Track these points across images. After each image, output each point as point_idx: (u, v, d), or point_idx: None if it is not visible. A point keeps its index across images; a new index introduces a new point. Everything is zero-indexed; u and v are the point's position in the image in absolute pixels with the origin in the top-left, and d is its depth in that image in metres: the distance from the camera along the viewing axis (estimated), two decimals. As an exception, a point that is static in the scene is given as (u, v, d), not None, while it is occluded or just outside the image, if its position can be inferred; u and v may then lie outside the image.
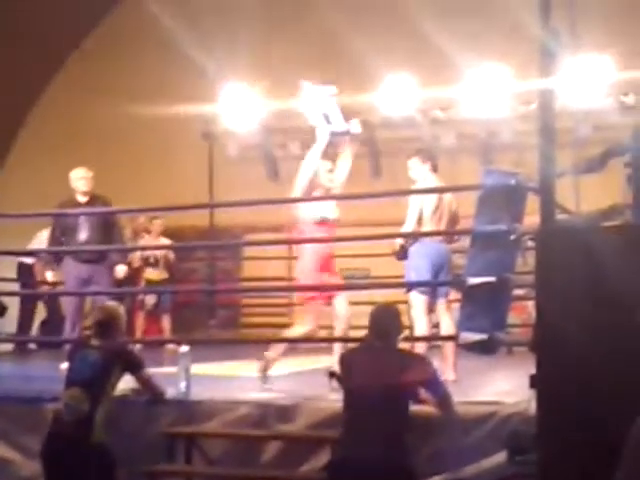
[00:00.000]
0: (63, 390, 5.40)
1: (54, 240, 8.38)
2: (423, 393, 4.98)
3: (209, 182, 11.63)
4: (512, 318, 7.89)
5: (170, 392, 5.81)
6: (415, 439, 4.90)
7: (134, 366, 5.51)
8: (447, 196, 7.15)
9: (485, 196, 5.72)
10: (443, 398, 5.00)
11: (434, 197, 7.08)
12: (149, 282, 10.66)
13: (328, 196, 7.08)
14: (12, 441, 6.00)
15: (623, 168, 4.88)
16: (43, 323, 11.19)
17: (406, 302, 7.00)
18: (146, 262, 10.56)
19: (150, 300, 10.57)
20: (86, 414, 5.23)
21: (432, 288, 6.99)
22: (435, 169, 7.31)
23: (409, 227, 7.04)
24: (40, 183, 12.78)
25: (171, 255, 10.80)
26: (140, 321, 10.43)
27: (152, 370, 5.82)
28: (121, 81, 12.74)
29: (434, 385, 4.97)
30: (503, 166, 8.78)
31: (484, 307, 5.60)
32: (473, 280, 5.62)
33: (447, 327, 6.98)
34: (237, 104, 11.22)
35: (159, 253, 10.65)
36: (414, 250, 6.99)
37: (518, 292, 7.29)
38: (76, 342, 6.21)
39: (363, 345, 5.25)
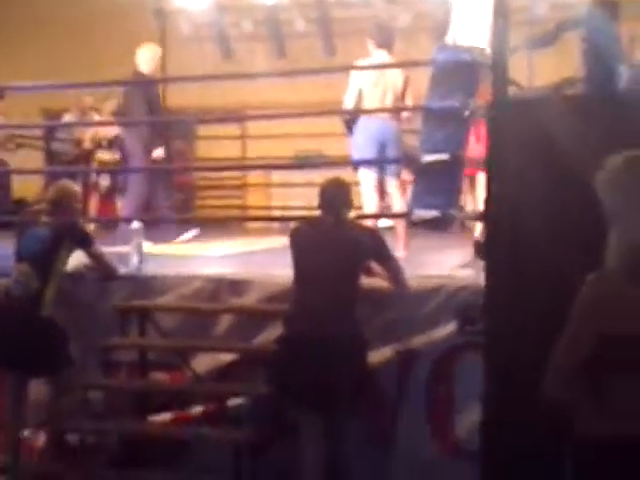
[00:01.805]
0: (12, 266, 5.37)
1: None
2: (374, 266, 5.01)
3: (161, 61, 11.40)
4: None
5: (123, 268, 5.81)
6: (366, 311, 4.95)
7: (84, 242, 5.46)
8: (391, 73, 7.04)
9: (438, 72, 5.65)
10: (394, 271, 5.03)
11: (374, 73, 6.98)
12: (102, 164, 10.52)
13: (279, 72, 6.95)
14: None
15: (578, 43, 4.86)
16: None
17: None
18: (98, 144, 10.39)
19: (104, 182, 10.45)
20: (35, 289, 5.23)
21: (380, 165, 6.97)
22: (383, 46, 7.17)
23: (348, 103, 6.98)
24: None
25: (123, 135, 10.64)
26: (94, 203, 10.33)
27: (105, 248, 5.79)
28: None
29: (385, 258, 5.00)
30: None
31: (437, 184, 5.61)
32: (426, 157, 5.61)
33: (398, 205, 7.00)
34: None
35: (111, 134, 10.47)
36: (357, 127, 6.95)
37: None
38: (25, 219, 6.13)
39: (313, 220, 5.20)
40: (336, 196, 5.02)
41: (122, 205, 9.28)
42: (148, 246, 6.59)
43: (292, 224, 6.53)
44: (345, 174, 6.47)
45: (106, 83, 8.51)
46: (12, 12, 12.57)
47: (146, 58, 8.23)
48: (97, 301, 5.77)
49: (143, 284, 5.78)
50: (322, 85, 8.84)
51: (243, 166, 8.23)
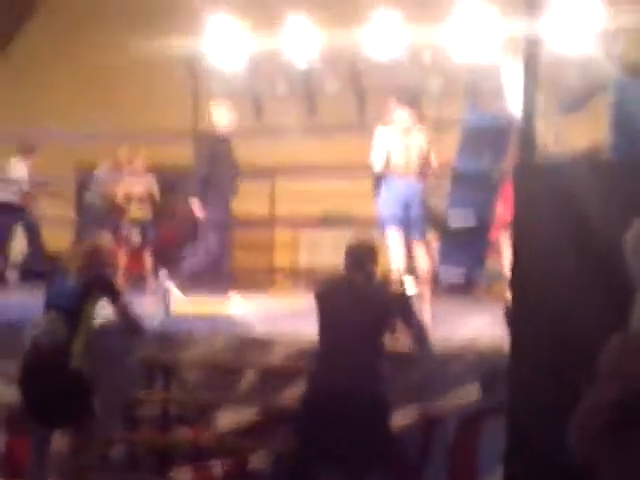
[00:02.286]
0: (41, 316, 5.42)
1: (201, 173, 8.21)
2: (399, 325, 5.01)
3: (194, 120, 11.57)
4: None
5: (149, 323, 5.84)
6: (389, 371, 4.94)
7: (112, 295, 5.51)
8: (417, 134, 7.06)
9: (467, 135, 5.75)
10: (419, 332, 5.04)
11: (399, 134, 7.02)
12: (134, 221, 10.58)
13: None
14: (-10, 366, 6.04)
15: (607, 109, 4.90)
16: (26, 257, 11.16)
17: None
18: (129, 199, 10.47)
19: (135, 238, 10.52)
20: (63, 340, 5.26)
21: (405, 223, 7.01)
22: (406, 105, 7.16)
23: (376, 164, 7.05)
24: (16, 114, 12.68)
25: (155, 192, 10.74)
26: (122, 257, 10.42)
27: (132, 302, 5.84)
28: (103, 11, 12.58)
29: (410, 318, 5.01)
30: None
31: (463, 244, 5.65)
32: (453, 217, 5.65)
33: (424, 266, 7.00)
34: (222, 40, 11.14)
35: (143, 190, 10.56)
36: (382, 186, 7.00)
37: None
38: (55, 270, 6.20)
39: (339, 277, 5.22)
40: (364, 255, 5.05)
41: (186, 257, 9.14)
42: (175, 301, 6.65)
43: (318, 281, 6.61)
44: (372, 234, 6.55)
45: (139, 135, 8.60)
46: (52, 60, 12.84)
47: (217, 114, 8.26)
48: (123, 355, 5.80)
49: (169, 339, 5.81)
50: (352, 146, 8.93)
51: (271, 222, 8.28)
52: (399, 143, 7.00)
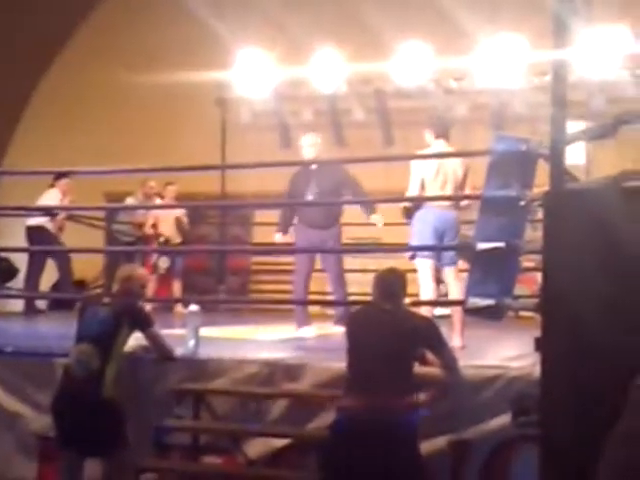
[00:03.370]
0: (73, 346, 5.46)
1: (285, 207, 8.27)
2: (428, 355, 5.02)
3: (221, 149, 11.67)
4: (521, 290, 7.92)
5: (179, 350, 5.87)
6: (419, 399, 4.93)
7: (143, 323, 5.57)
8: (452, 163, 7.12)
9: (495, 162, 5.72)
10: (448, 359, 5.03)
11: (435, 163, 7.08)
12: (163, 248, 10.73)
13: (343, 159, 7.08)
14: (24, 396, 6.08)
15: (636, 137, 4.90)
16: (54, 285, 11.26)
17: (415, 271, 7.04)
18: (156, 237, 10.60)
19: (163, 264, 10.63)
20: (96, 370, 5.29)
21: (437, 253, 7.02)
22: (441, 136, 7.29)
23: (412, 193, 7.09)
24: (51, 147, 12.85)
25: (185, 220, 10.87)
26: (151, 283, 10.48)
27: (162, 331, 5.88)
28: (134, 46, 12.74)
29: (440, 346, 5.00)
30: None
31: (492, 273, 5.61)
32: (482, 245, 5.64)
33: (455, 294, 7.01)
34: (250, 70, 11.26)
35: (173, 219, 10.72)
36: (417, 216, 7.05)
37: (527, 264, 7.31)
38: (86, 299, 6.26)
39: (369, 306, 5.27)
40: (393, 283, 5.09)
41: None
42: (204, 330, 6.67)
43: (349, 310, 6.63)
44: (400, 263, 6.58)
45: (169, 169, 8.69)
46: (82, 94, 13.00)
47: (307, 145, 8.24)
48: (153, 382, 5.83)
49: (199, 367, 5.83)
50: (380, 174, 8.97)
51: (297, 250, 8.30)
52: (435, 173, 7.05)
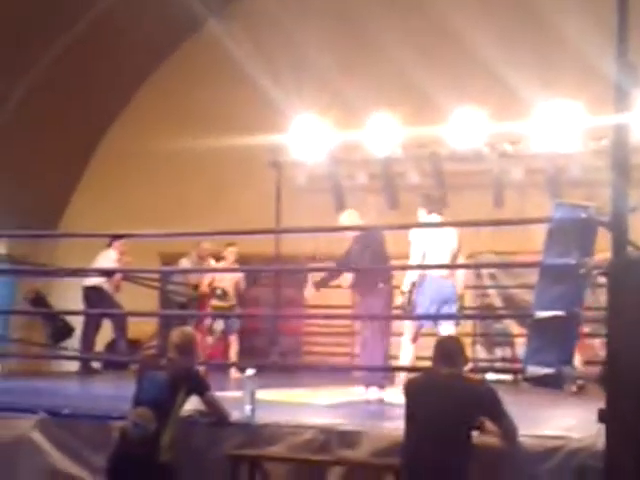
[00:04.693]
0: (130, 409, 5.47)
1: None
2: (487, 423, 4.94)
3: (276, 211, 11.75)
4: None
5: (235, 415, 5.85)
6: (478, 470, 4.85)
7: (200, 388, 5.58)
8: (448, 235, 7.66)
9: (555, 229, 5.69)
10: (508, 428, 4.95)
11: (434, 237, 7.61)
12: (216, 309, 10.71)
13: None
14: (80, 458, 6.06)
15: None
16: (109, 344, 11.34)
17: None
18: (213, 292, 10.60)
19: (218, 327, 10.61)
20: (153, 433, 5.29)
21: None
22: (434, 211, 7.88)
23: (415, 263, 7.66)
24: (107, 208, 13.06)
25: (242, 284, 10.83)
26: (206, 346, 10.48)
27: (218, 394, 5.87)
28: (191, 109, 12.98)
29: (499, 414, 4.93)
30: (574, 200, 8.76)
31: (551, 341, 5.56)
32: (541, 314, 5.59)
33: None
34: (305, 134, 11.40)
35: (229, 283, 10.65)
36: (420, 287, 7.60)
37: (584, 329, 7.23)
38: (144, 362, 6.29)
39: (429, 372, 5.24)
40: (453, 350, 5.11)
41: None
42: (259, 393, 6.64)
43: (405, 375, 6.58)
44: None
45: (224, 232, 8.74)
46: (138, 156, 13.23)
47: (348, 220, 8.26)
48: (209, 447, 5.78)
49: (254, 432, 5.79)
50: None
51: (346, 315, 8.25)
52: (436, 244, 7.59)
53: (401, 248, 8.39)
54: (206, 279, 10.67)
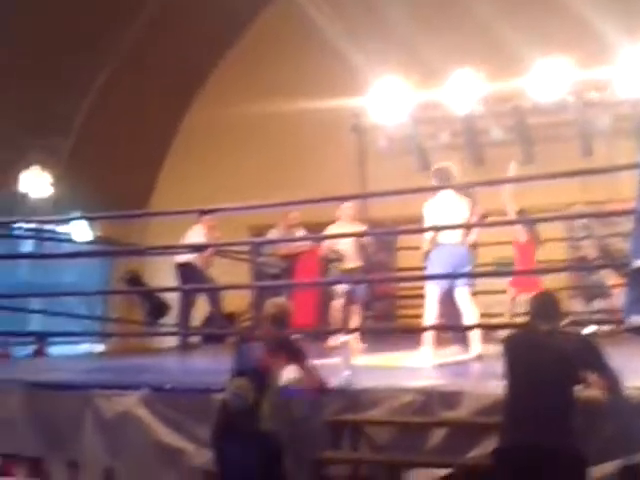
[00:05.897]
0: (229, 380, 5.53)
1: None
2: (591, 376, 4.85)
3: (360, 175, 11.72)
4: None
5: (333, 381, 5.87)
6: (583, 424, 4.78)
7: (297, 356, 5.61)
8: (459, 205, 7.74)
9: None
10: (612, 381, 4.85)
11: (444, 210, 7.70)
12: (345, 272, 9.98)
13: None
14: (184, 431, 6.18)
15: None
16: (207, 319, 11.47)
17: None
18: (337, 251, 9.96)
19: (340, 289, 9.95)
20: (252, 404, 5.35)
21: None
22: (445, 187, 7.77)
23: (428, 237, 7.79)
24: (194, 183, 13.20)
25: (366, 244, 9.89)
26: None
27: (315, 361, 5.90)
28: (272, 78, 12.99)
29: (601, 367, 4.84)
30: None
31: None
32: (639, 262, 5.44)
33: (469, 314, 7.63)
34: (386, 97, 11.29)
35: (351, 242, 9.68)
36: (436, 252, 7.71)
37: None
38: (240, 334, 6.36)
39: (527, 329, 5.17)
40: (550, 305, 5.04)
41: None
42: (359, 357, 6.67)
43: (501, 332, 6.52)
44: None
45: (309, 200, 8.70)
46: (221, 129, 13.32)
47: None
48: (310, 414, 5.83)
49: (354, 397, 5.81)
50: (524, 191, 8.80)
51: (432, 276, 8.12)
52: (446, 215, 7.68)
53: (489, 205, 8.34)
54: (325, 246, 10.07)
